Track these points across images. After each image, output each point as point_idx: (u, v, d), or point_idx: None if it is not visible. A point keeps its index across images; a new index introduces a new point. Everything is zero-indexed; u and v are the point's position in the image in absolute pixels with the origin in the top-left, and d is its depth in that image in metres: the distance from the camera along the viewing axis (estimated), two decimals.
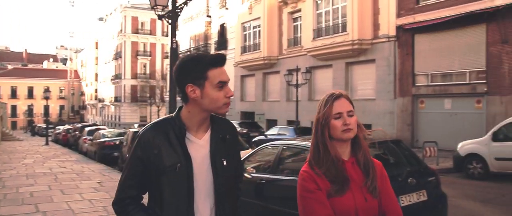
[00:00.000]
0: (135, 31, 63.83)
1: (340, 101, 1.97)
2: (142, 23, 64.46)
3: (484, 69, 16.97)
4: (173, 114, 2.04)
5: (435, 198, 5.55)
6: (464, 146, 12.43)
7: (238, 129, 21.39)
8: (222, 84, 1.94)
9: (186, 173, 1.92)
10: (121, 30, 64.25)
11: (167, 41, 52.91)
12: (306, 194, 1.92)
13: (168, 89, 46.71)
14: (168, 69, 47.70)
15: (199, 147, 1.98)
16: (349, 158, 1.99)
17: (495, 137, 11.63)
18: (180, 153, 1.92)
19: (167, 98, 46.86)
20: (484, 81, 16.93)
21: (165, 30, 59.98)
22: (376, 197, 1.95)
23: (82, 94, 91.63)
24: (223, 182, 1.99)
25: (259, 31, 29.19)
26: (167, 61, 51.23)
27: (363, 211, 1.91)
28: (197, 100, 1.93)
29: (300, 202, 1.97)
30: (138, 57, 64.20)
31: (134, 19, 63.88)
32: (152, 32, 65.01)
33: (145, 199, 2.02)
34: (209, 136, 2.02)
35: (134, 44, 63.82)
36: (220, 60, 1.96)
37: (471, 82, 17.53)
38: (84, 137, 23.64)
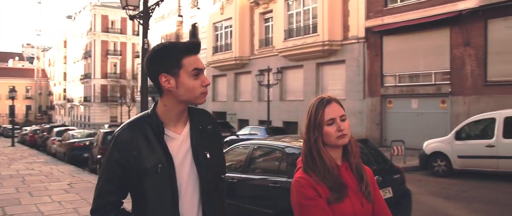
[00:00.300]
0: (105, 29, 62.85)
1: (332, 106, 1.93)
2: (112, 21, 63.52)
3: (448, 70, 17.56)
4: (149, 110, 1.93)
5: (400, 194, 5.78)
6: (429, 145, 12.85)
7: None
8: (198, 72, 1.84)
9: (169, 173, 1.81)
10: (91, 29, 63.14)
11: (138, 40, 52.25)
12: (306, 202, 1.82)
13: (139, 88, 46.21)
14: (139, 69, 47.27)
15: (180, 142, 1.87)
16: (343, 163, 1.94)
17: (458, 136, 12.09)
18: (160, 152, 1.81)
19: (138, 98, 46.30)
20: (448, 82, 17.52)
21: (136, 29, 59.25)
22: (371, 202, 1.93)
23: (50, 94, 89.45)
24: (208, 176, 1.90)
25: (231, 31, 29.26)
26: (138, 61, 50.59)
27: None
28: (172, 90, 1.82)
29: (298, 210, 1.86)
30: (108, 56, 63.23)
31: (104, 18, 62.89)
32: (122, 31, 64.12)
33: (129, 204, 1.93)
34: (188, 130, 1.91)
35: (104, 43, 62.84)
36: (194, 47, 1.88)
37: (436, 83, 18.11)
38: (53, 138, 23.19)
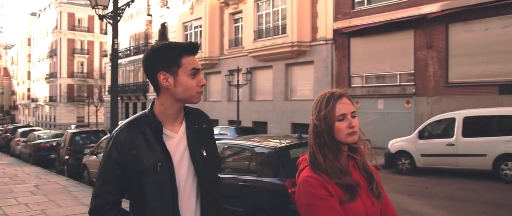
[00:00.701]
0: (72, 28, 61.48)
1: (343, 101, 1.83)
2: (79, 19, 62.19)
3: (413, 72, 18.12)
4: (146, 110, 1.95)
5: None
6: (394, 144, 13.29)
7: None
8: (195, 72, 1.89)
9: (168, 172, 1.85)
10: (57, 27, 61.63)
11: (106, 39, 51.45)
12: (317, 202, 1.71)
13: (107, 88, 45.46)
14: (107, 68, 46.53)
15: (177, 141, 1.92)
16: (349, 160, 1.87)
17: (421, 135, 12.56)
18: (159, 151, 1.85)
19: (106, 98, 45.57)
20: (413, 83, 18.08)
21: (104, 27, 58.22)
22: (382, 202, 1.86)
23: (13, 93, 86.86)
24: (205, 173, 1.95)
25: (201, 31, 29.23)
26: (106, 60, 49.76)
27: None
28: (170, 89, 1.87)
29: (307, 211, 1.74)
30: (75, 55, 61.89)
31: (71, 15, 61.52)
32: (90, 29, 62.86)
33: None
34: (184, 128, 1.96)
35: (71, 42, 61.47)
36: (194, 48, 1.93)
37: (401, 83, 18.65)
38: (17, 139, 22.66)
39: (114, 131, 1.91)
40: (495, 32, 15.58)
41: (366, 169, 1.90)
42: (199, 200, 1.93)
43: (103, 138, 12.36)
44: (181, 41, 2.00)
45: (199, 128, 2.00)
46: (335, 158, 1.79)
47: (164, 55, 1.86)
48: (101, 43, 62.25)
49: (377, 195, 1.85)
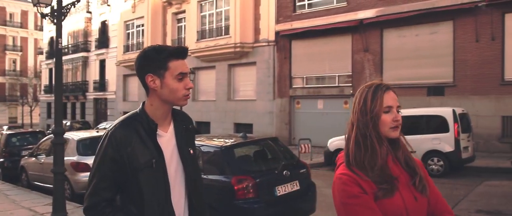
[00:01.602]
0: (3, 23, 57.96)
1: (390, 93, 1.79)
2: (11, 14, 58.74)
3: (350, 74, 19.01)
4: (138, 110, 2.04)
5: (306, 187, 6.42)
6: (333, 142, 13.85)
7: None
8: (183, 76, 1.95)
9: (162, 168, 1.95)
10: None
11: (41, 35, 49.17)
12: (351, 200, 1.68)
13: (43, 87, 43.54)
14: (43, 66, 44.53)
15: (167, 140, 2.02)
16: (388, 155, 1.80)
17: None
18: (153, 148, 1.94)
19: (42, 98, 43.61)
20: (350, 84, 18.97)
21: (39, 23, 55.50)
22: (427, 196, 1.79)
23: None
24: (192, 170, 2.08)
25: (143, 30, 28.85)
26: (41, 57, 47.48)
27: (414, 211, 1.73)
28: (157, 90, 1.94)
29: (342, 210, 1.72)
30: (7, 51, 58.44)
31: (1, 10, 57.98)
32: (23, 25, 59.58)
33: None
34: (173, 128, 2.07)
35: (2, 37, 57.95)
36: (182, 52, 1.99)
37: (340, 85, 19.50)
38: None
39: (108, 129, 1.99)
40: (424, 38, 16.75)
41: (409, 163, 1.81)
42: (186, 194, 2.06)
43: (43, 139, 11.98)
44: (168, 45, 2.12)
45: (187, 128, 2.13)
46: (374, 153, 1.73)
47: (152, 58, 1.94)
48: (35, 39, 59.24)
49: (421, 190, 1.76)
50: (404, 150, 1.83)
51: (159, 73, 1.93)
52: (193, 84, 1.99)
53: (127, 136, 1.92)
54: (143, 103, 2.05)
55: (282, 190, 5.92)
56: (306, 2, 20.70)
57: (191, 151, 2.11)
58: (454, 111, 11.55)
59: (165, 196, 1.96)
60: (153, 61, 1.94)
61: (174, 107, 2.10)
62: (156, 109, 2.00)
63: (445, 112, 11.82)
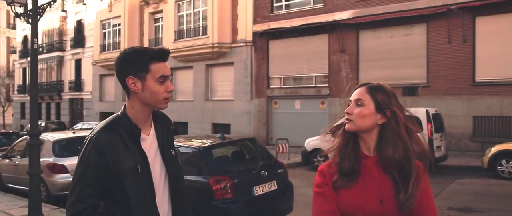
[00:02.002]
0: None
1: (357, 90, 1.89)
2: None
3: (327, 74, 19.24)
4: (119, 113, 2.00)
5: (284, 187, 6.51)
6: (310, 142, 13.99)
7: None
8: (164, 79, 1.92)
9: (147, 172, 1.93)
10: None
11: (14, 34, 48.04)
12: (314, 189, 1.82)
13: (16, 87, 42.60)
14: (16, 66, 43.52)
15: (149, 143, 2.00)
16: (374, 155, 1.79)
17: (334, 134, 13.42)
18: (137, 153, 1.92)
19: (16, 98, 42.68)
20: (327, 85, 19.20)
21: (12, 21, 54.19)
22: (410, 212, 1.70)
23: None
24: (174, 171, 2.07)
25: (119, 29, 28.55)
26: (14, 56, 46.41)
27: (373, 212, 1.71)
28: (138, 93, 1.91)
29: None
30: None
31: None
32: None
33: None
34: (154, 131, 2.05)
35: None
36: (163, 54, 1.94)
37: (317, 85, 19.71)
38: None
39: (91, 134, 1.94)
40: (399, 40, 17.10)
41: (397, 167, 1.74)
42: (170, 195, 2.06)
43: (18, 141, 11.77)
44: (148, 47, 2.09)
45: (168, 129, 2.12)
46: (350, 145, 1.82)
47: (133, 60, 1.91)
48: (8, 38, 57.67)
49: (404, 204, 1.68)
50: (396, 152, 1.75)
51: (141, 76, 1.90)
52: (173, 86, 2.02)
53: (111, 141, 1.89)
54: (124, 106, 2.02)
55: (260, 190, 5.99)
56: (283, 3, 20.85)
57: (173, 152, 2.11)
58: (427, 111, 11.80)
59: (152, 201, 1.95)
60: (134, 63, 1.91)
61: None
62: (137, 112, 1.97)
63: (419, 112, 12.06)
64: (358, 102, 1.82)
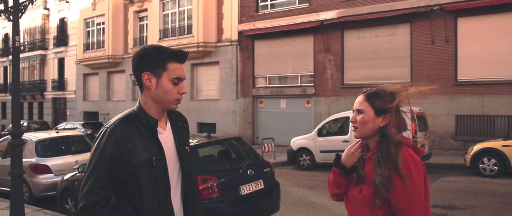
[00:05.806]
0: None
1: (357, 98, 2.11)
2: None
3: (312, 73, 19.33)
4: (135, 107, 2.03)
5: (270, 186, 6.52)
6: (296, 141, 14.08)
7: (82, 130, 20.61)
8: (178, 81, 1.97)
9: (162, 165, 1.95)
10: None
11: None
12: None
13: None
14: None
15: (165, 137, 2.03)
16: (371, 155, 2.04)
17: (320, 133, 13.51)
18: (153, 145, 1.94)
19: None
20: (312, 84, 19.29)
21: None
22: (378, 205, 1.90)
23: None
24: (188, 166, 2.09)
25: (103, 28, 28.26)
26: None
27: (354, 199, 2.04)
28: (151, 89, 1.94)
29: None
30: None
31: None
32: None
33: None
34: (170, 126, 2.08)
35: None
36: (183, 56, 1.99)
37: (302, 85, 19.79)
38: None
39: (107, 126, 1.95)
40: (383, 39, 17.26)
41: (381, 163, 1.96)
42: (183, 190, 2.08)
43: (0, 140, 11.58)
44: (176, 48, 2.10)
45: (182, 126, 2.17)
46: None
47: (152, 56, 1.95)
48: None
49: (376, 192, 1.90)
50: (382, 151, 1.99)
51: (157, 73, 1.94)
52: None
53: (128, 133, 1.91)
54: (139, 101, 2.05)
55: (246, 189, 5.99)
56: (268, 3, 20.87)
57: (188, 149, 2.14)
58: (411, 111, 11.89)
59: (166, 194, 1.96)
60: (153, 59, 1.94)
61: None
62: (150, 108, 2.00)
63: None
64: (359, 110, 2.04)
